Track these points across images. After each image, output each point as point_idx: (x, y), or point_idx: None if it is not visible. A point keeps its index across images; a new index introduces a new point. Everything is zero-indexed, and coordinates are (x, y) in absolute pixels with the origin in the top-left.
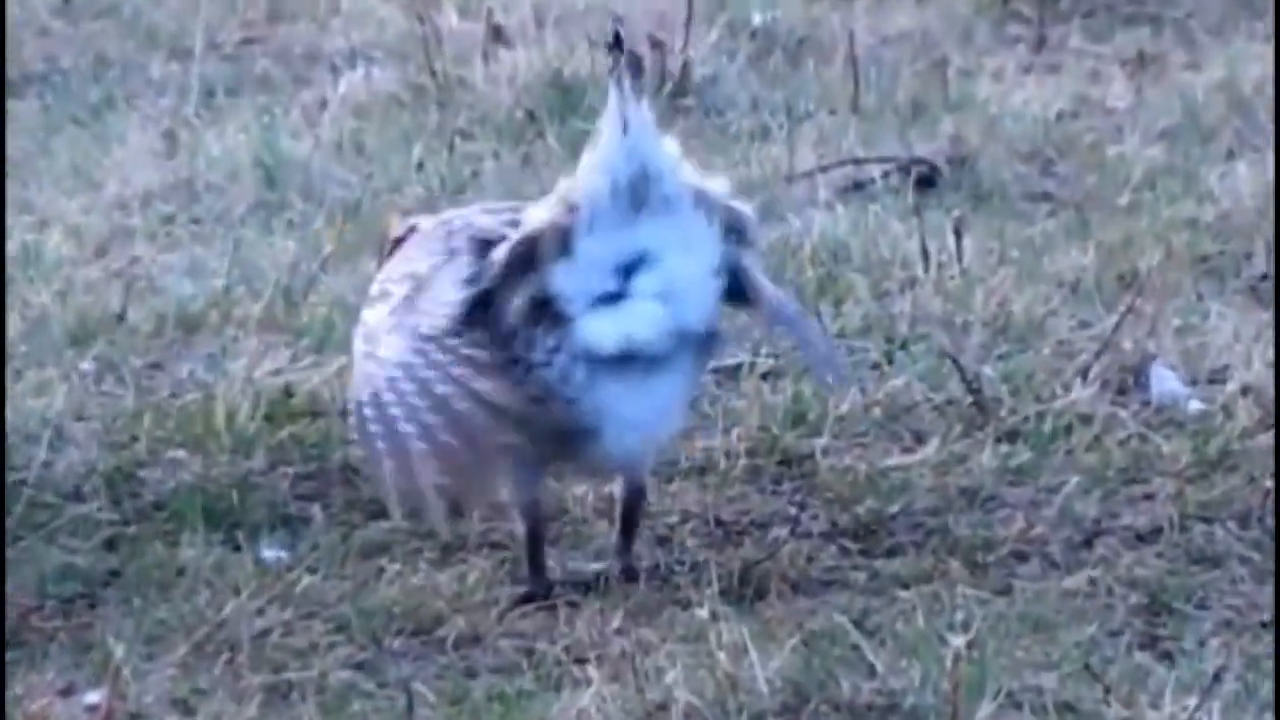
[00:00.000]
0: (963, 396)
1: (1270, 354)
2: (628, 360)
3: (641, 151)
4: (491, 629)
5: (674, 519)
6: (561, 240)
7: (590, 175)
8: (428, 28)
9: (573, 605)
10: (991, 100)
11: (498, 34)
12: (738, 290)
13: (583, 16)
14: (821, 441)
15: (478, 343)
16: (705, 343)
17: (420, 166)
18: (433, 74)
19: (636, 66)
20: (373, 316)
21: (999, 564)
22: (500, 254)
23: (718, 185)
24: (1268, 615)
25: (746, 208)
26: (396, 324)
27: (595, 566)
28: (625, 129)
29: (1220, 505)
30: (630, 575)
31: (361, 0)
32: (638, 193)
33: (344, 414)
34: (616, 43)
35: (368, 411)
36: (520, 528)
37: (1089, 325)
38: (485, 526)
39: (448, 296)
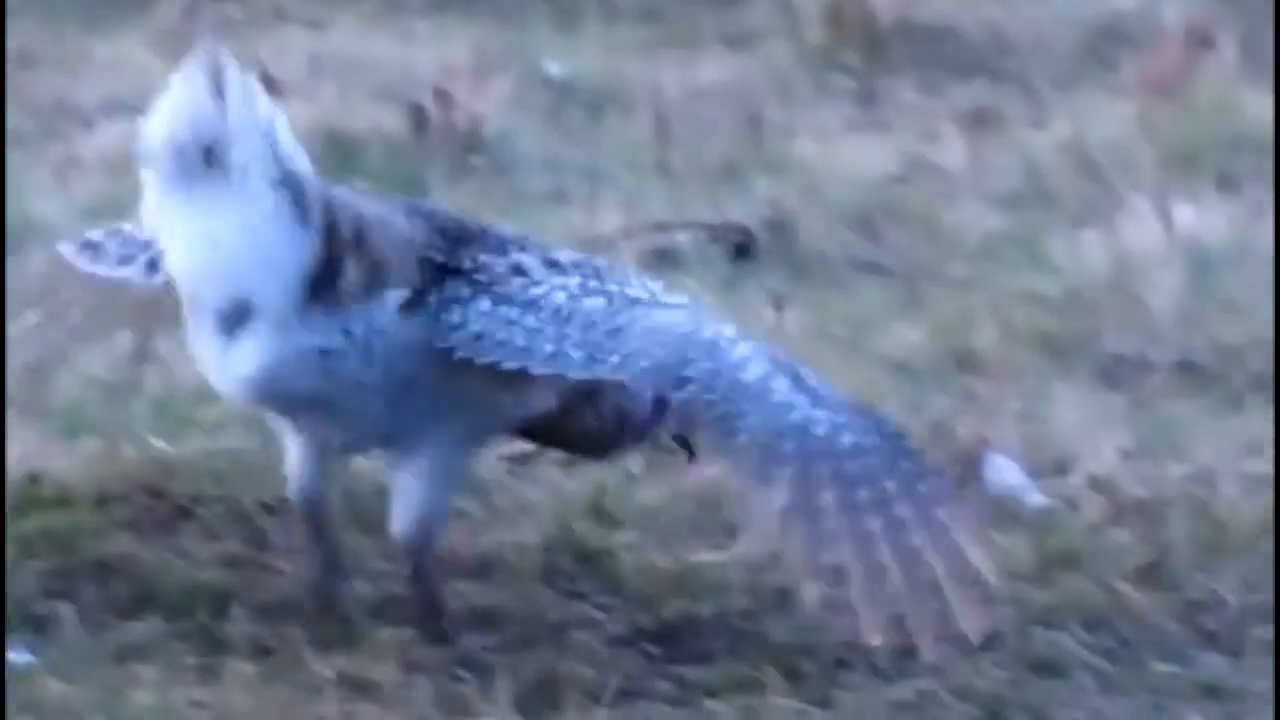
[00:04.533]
0: None
1: (1122, 442)
2: None
3: (229, 112)
4: None
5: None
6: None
7: (162, 123)
8: None
9: (348, 715)
10: (813, 161)
11: (270, 86)
12: None
13: (363, 68)
14: (625, 536)
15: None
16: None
17: None
18: None
19: (422, 122)
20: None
21: (819, 672)
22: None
23: None
24: None
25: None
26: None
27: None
28: (217, 79)
29: (1064, 609)
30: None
31: (118, 46)
32: (210, 155)
33: (100, 502)
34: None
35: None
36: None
37: (920, 410)
38: (250, 628)
39: None
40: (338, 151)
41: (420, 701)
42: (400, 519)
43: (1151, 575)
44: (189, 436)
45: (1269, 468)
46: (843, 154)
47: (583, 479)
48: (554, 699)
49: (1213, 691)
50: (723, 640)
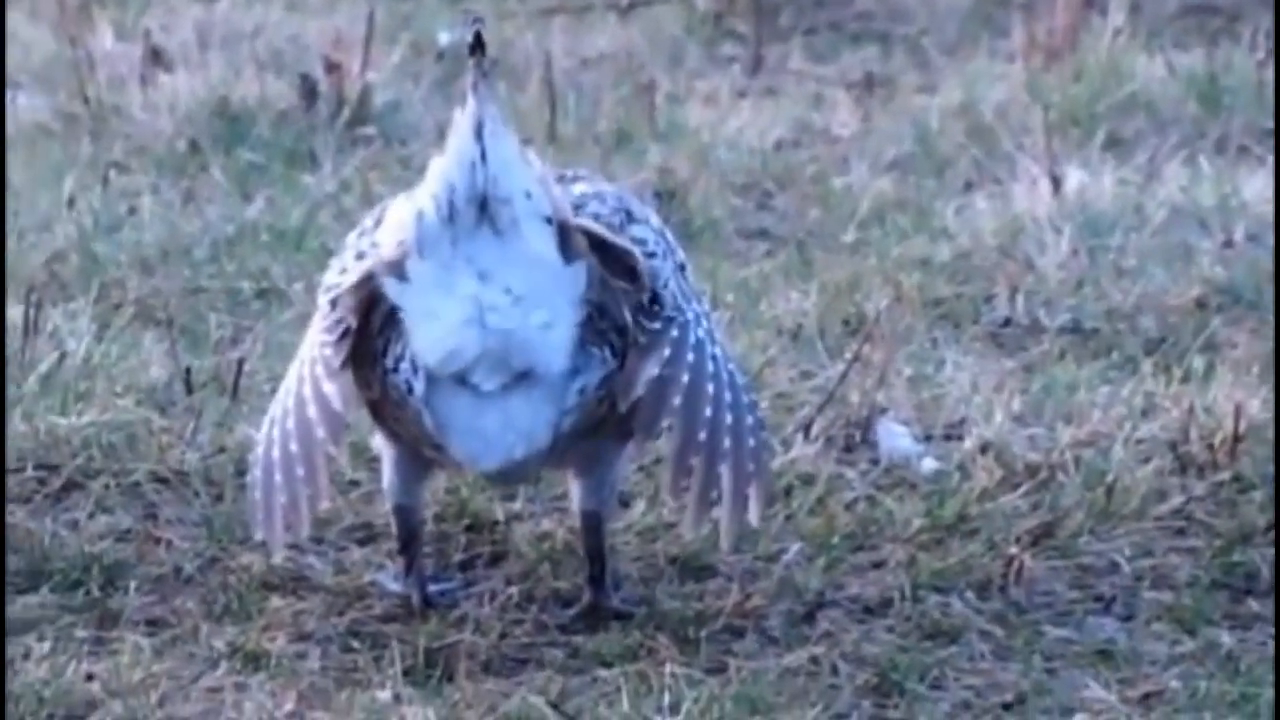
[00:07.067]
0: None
1: (1014, 406)
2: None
3: (492, 165)
4: (150, 713)
5: (350, 590)
6: (397, 259)
7: (430, 185)
8: (80, 51)
9: (240, 687)
10: (703, 128)
11: (157, 57)
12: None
13: (250, 38)
14: (515, 506)
15: (340, 344)
16: (569, 369)
17: (71, 203)
18: (85, 101)
19: (311, 92)
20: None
21: (711, 640)
22: (348, 278)
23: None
24: (1010, 695)
25: (628, 242)
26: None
27: (395, 588)
28: (478, 134)
29: (957, 574)
30: (596, 613)
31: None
32: (483, 210)
33: None
34: (478, 43)
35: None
36: (394, 528)
37: (811, 376)
38: (142, 600)
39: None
40: (227, 122)
41: (313, 672)
42: (585, 498)
43: (1044, 540)
44: (79, 409)
45: (1160, 431)
46: (733, 121)
47: None
48: (446, 668)
49: (1106, 656)
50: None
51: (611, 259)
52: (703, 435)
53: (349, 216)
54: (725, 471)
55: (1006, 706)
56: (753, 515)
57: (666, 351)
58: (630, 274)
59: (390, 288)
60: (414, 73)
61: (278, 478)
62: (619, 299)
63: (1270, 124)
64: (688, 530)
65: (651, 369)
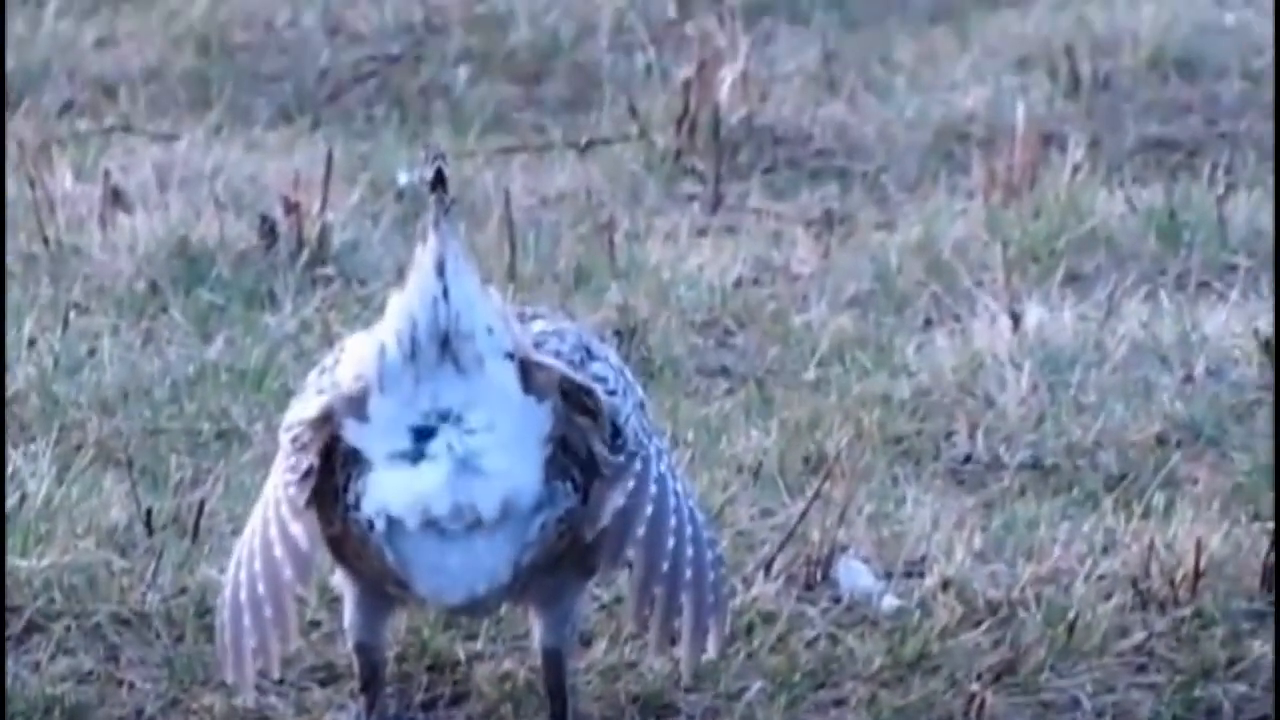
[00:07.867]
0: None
1: (974, 543)
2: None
3: (455, 302)
4: None
5: None
6: (358, 396)
7: (391, 321)
8: (39, 191)
9: None
10: (663, 266)
11: (117, 198)
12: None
13: (210, 178)
14: (476, 645)
15: (303, 484)
16: (534, 505)
17: (32, 344)
18: (45, 242)
19: (270, 232)
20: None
21: None
22: (308, 412)
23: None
24: None
25: (589, 379)
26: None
27: None
28: (440, 270)
29: (918, 712)
30: None
31: None
32: (445, 347)
33: None
34: (439, 179)
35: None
36: (355, 667)
37: (772, 514)
38: None
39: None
40: (186, 263)
41: None
42: (546, 635)
43: (1005, 677)
44: (40, 551)
45: (1121, 567)
46: (692, 259)
47: None
48: None
49: None
50: None
51: (572, 396)
52: (665, 566)
53: (309, 356)
54: (687, 602)
55: None
56: (711, 648)
57: (631, 484)
58: (590, 412)
59: (350, 430)
60: (373, 213)
61: (246, 620)
62: (583, 435)
63: (1231, 259)
64: (651, 656)
65: (617, 499)
